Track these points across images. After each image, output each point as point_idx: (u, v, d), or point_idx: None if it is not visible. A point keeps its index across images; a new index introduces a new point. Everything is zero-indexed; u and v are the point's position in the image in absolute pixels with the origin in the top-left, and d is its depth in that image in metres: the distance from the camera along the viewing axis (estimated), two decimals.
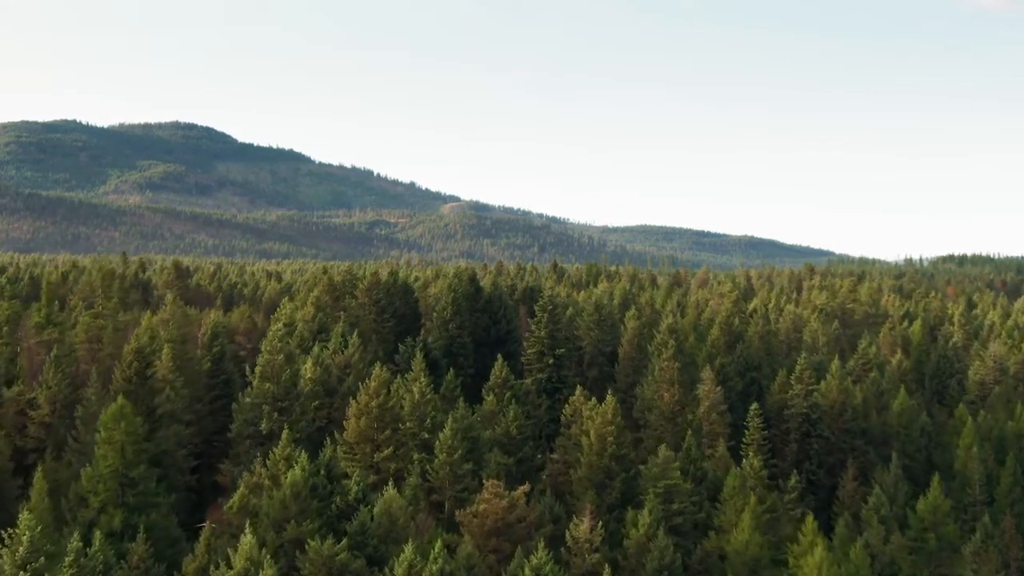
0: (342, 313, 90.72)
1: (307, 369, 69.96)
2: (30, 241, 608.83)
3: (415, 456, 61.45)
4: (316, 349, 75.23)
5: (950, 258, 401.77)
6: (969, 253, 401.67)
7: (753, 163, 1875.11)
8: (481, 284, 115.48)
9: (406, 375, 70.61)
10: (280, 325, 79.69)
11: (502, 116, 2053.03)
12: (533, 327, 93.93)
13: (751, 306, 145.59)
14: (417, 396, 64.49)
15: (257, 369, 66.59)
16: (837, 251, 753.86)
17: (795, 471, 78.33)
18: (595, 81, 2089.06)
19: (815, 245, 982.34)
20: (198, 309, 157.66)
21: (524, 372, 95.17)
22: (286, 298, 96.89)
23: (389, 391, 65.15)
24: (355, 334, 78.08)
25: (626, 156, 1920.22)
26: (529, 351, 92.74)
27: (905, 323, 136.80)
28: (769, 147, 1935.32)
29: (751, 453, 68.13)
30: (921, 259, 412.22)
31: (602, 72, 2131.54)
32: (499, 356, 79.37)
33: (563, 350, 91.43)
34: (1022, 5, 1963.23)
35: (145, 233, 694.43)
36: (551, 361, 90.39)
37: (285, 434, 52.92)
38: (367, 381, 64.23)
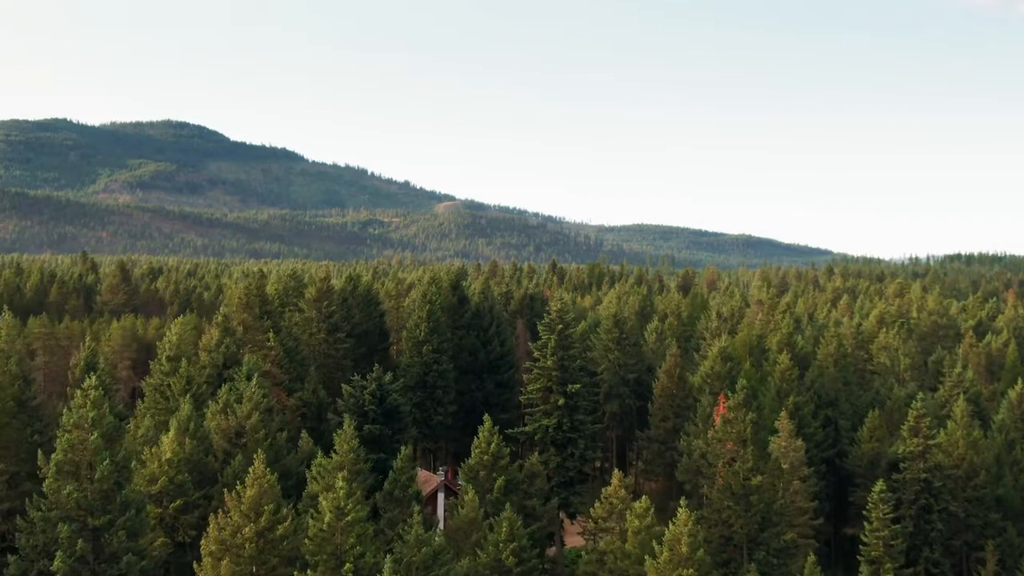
0: (271, 334, 63.86)
1: (164, 446, 41.71)
2: (15, 241, 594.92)
3: None
4: (185, 406, 46.65)
5: (957, 257, 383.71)
6: (975, 252, 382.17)
7: (751, 162, 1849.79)
8: (468, 292, 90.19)
9: (330, 455, 42.45)
10: (162, 359, 53.11)
11: (498, 115, 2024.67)
12: (536, 353, 68.11)
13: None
14: (329, 516, 34.14)
15: (53, 458, 35.54)
16: (835, 250, 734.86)
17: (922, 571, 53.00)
18: (593, 80, 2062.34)
19: (813, 244, 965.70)
20: (144, 318, 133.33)
21: (524, 414, 70.11)
22: (180, 318, 68.14)
23: (299, 499, 37.03)
24: (254, 379, 49.88)
25: (623, 155, 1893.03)
26: (531, 387, 66.99)
27: (991, 337, 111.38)
28: (767, 146, 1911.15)
29: None
30: (928, 258, 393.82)
31: (600, 71, 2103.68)
32: (486, 415, 52.20)
33: (578, 385, 65.64)
34: (1021, 5, 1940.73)
35: (134, 232, 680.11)
36: (561, 401, 64.78)
37: None
38: (241, 486, 35.31)
